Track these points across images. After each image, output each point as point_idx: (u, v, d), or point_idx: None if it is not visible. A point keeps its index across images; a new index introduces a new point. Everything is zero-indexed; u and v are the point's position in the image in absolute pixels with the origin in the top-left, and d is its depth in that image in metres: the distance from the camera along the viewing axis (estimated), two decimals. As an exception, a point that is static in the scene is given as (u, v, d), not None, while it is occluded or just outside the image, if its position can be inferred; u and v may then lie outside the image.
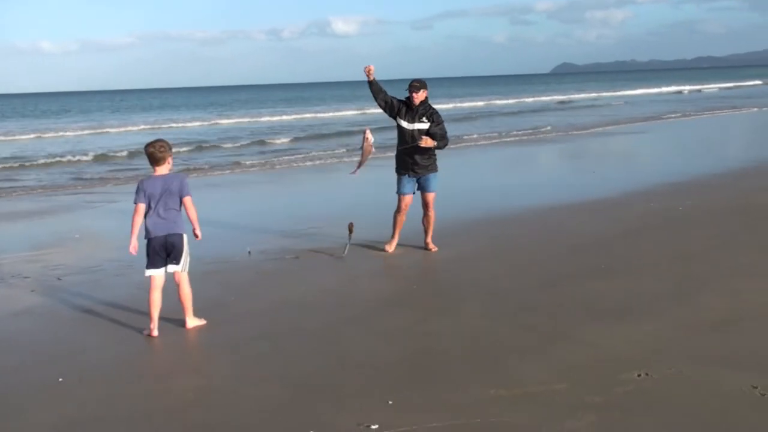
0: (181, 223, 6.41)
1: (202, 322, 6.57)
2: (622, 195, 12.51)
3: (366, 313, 6.80)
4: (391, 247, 9.15)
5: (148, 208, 6.32)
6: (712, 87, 71.95)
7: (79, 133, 38.26)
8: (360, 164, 9.16)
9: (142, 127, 41.75)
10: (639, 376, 5.05)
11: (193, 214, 6.44)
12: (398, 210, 9.10)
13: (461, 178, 15.46)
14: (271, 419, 4.69)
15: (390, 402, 4.81)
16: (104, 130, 39.97)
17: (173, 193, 6.32)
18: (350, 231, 9.11)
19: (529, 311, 6.63)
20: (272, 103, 79.19)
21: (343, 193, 15.20)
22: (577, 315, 6.45)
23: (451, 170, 16.87)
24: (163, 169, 6.40)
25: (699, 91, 67.63)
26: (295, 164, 21.24)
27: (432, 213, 9.03)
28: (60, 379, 5.44)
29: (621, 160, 19.54)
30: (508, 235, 9.70)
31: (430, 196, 8.97)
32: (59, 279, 8.39)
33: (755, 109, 37.92)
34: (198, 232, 6.49)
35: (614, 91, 69.91)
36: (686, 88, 71.21)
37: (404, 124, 8.76)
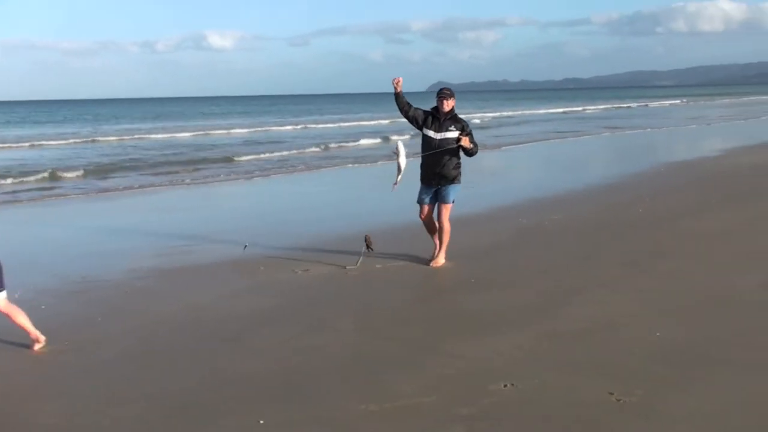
0: None
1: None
2: (494, 210, 12.89)
3: (240, 330, 6.72)
4: (437, 262, 8.97)
5: None
6: (593, 108, 73.91)
7: None
8: (398, 177, 8.94)
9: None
10: (505, 386, 5.22)
11: None
12: (421, 220, 9.17)
13: (332, 195, 15.54)
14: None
15: (261, 421, 4.78)
16: None
17: None
18: (367, 244, 9.07)
19: (401, 325, 6.74)
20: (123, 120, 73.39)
21: (213, 211, 14.99)
22: (448, 328, 6.60)
23: (324, 185, 16.90)
24: None
25: (583, 110, 69.85)
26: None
27: (445, 225, 8.93)
28: None
29: (494, 177, 20.14)
30: (382, 251, 9.80)
31: (444, 207, 8.92)
32: None
33: (631, 131, 39.93)
34: None
35: (493, 111, 70.39)
36: (569, 108, 72.72)
37: (431, 133, 8.74)
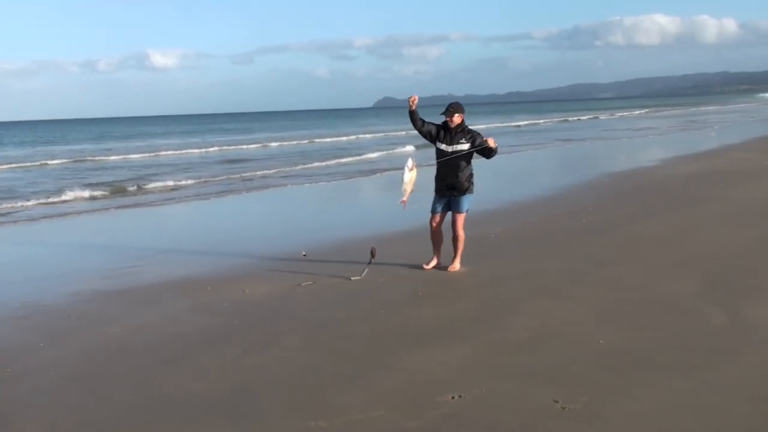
0: None
1: None
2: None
3: (184, 352, 6.65)
4: (428, 265, 9.44)
5: None
6: (546, 121, 74.02)
7: None
8: (406, 193, 9.14)
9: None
10: (453, 398, 5.27)
11: None
12: (430, 228, 9.45)
13: (279, 213, 15.47)
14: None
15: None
16: None
17: None
18: (372, 255, 9.22)
19: (347, 340, 6.75)
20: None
21: (158, 232, 14.81)
22: (394, 341, 6.63)
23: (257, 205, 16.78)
24: None
25: (537, 124, 70.20)
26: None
27: (460, 233, 9.29)
28: None
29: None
30: (328, 267, 9.81)
31: (456, 216, 9.26)
32: None
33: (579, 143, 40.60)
34: None
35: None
36: (522, 122, 71.97)
37: (443, 146, 9.09)
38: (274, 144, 49.13)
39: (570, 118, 77.38)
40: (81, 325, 7.66)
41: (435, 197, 9.37)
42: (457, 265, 9.34)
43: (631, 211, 13.36)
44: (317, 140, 51.89)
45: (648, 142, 36.86)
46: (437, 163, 9.17)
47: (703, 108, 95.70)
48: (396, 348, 6.45)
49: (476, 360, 6.06)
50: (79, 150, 51.34)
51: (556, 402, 5.10)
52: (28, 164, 36.87)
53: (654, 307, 7.35)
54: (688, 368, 5.68)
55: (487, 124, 65.97)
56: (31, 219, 17.01)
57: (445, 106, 9.27)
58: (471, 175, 9.22)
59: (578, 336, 6.54)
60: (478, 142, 9.03)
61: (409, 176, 9.04)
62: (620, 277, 8.61)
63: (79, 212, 17.87)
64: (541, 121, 75.29)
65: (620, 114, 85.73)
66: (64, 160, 38.37)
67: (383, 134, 56.34)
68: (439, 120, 9.25)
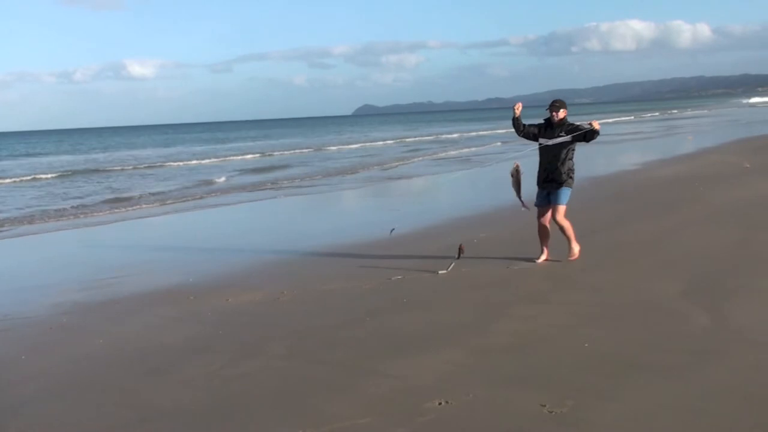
0: None
1: None
2: (422, 230, 12.99)
3: (169, 361, 6.61)
4: (539, 260, 9.77)
5: None
6: None
7: None
8: (520, 197, 9.87)
9: None
10: (440, 404, 5.25)
11: None
12: (538, 223, 9.79)
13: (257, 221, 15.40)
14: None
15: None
16: None
17: None
18: (460, 251, 9.51)
19: (333, 348, 6.72)
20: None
21: (139, 243, 14.71)
22: (380, 349, 6.61)
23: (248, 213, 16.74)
24: None
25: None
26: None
27: (563, 223, 9.56)
28: None
29: (418, 199, 20.33)
30: (311, 275, 9.79)
31: (555, 208, 9.52)
32: None
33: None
34: None
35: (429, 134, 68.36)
36: (502, 130, 70.98)
37: (544, 141, 9.52)
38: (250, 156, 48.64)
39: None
40: (63, 337, 7.60)
41: (537, 192, 9.74)
42: (575, 251, 9.66)
43: (612, 215, 13.42)
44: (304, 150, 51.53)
45: (627, 146, 37.10)
46: (539, 156, 9.61)
47: (684, 111, 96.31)
48: (382, 355, 6.43)
49: (463, 365, 6.06)
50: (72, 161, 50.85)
51: (543, 406, 5.10)
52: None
53: (638, 310, 7.37)
54: (673, 370, 5.70)
55: (471, 132, 66.00)
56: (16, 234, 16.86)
57: (550, 103, 9.69)
58: (571, 169, 9.54)
59: (564, 340, 6.55)
60: (580, 130, 9.37)
61: (513, 181, 9.81)
62: (604, 281, 8.64)
63: (54, 227, 17.73)
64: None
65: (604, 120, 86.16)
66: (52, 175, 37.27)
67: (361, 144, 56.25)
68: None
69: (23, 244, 15.16)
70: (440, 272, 9.37)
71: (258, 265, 10.57)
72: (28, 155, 63.96)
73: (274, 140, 73.36)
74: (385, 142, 56.03)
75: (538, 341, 6.58)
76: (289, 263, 10.73)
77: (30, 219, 18.87)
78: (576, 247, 9.69)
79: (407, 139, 59.22)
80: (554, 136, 9.47)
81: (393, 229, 10.30)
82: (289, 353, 6.68)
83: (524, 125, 9.72)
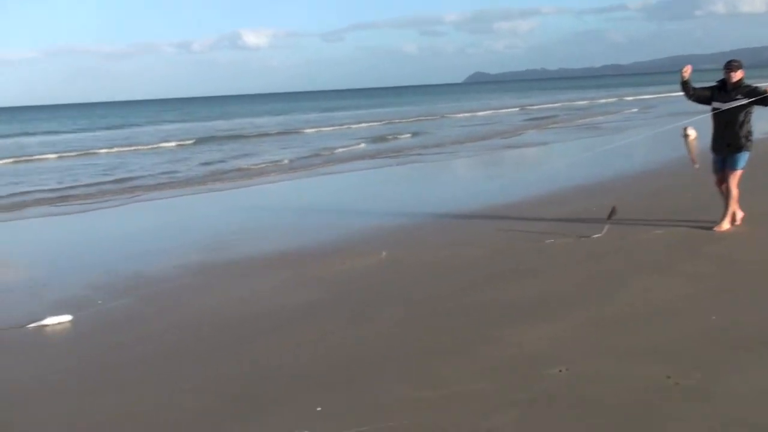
0: None
1: None
2: (528, 199, 12.80)
3: (288, 323, 6.76)
4: (721, 227, 9.27)
5: None
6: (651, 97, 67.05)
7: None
8: (693, 158, 9.72)
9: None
10: (560, 371, 5.18)
11: None
12: (718, 189, 9.52)
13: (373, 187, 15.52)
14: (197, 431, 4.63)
15: (318, 408, 4.81)
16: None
17: None
18: (613, 211, 9.53)
19: (449, 314, 6.71)
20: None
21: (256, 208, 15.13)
22: (497, 315, 6.56)
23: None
24: None
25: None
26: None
27: (734, 191, 9.18)
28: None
29: (532, 168, 20.01)
30: (427, 241, 9.81)
31: (732, 174, 9.18)
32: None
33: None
34: None
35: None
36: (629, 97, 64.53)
37: (719, 105, 9.09)
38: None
39: (672, 93, 72.65)
40: (185, 297, 7.89)
41: (713, 157, 9.40)
42: (725, 225, 9.24)
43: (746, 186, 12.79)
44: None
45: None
46: (713, 121, 9.23)
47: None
48: (500, 322, 6.38)
49: (583, 335, 5.94)
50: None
51: (669, 378, 4.94)
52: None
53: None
54: (809, 346, 5.43)
55: (600, 99, 62.73)
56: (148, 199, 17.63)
57: (726, 62, 9.30)
58: (749, 132, 9.13)
59: (689, 312, 6.31)
60: (759, 90, 8.94)
61: (687, 142, 9.66)
62: (732, 252, 8.27)
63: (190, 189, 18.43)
64: (647, 96, 69.78)
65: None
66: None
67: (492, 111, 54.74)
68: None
69: (152, 208, 15.79)
70: (594, 236, 9.18)
71: (374, 231, 10.66)
72: (152, 123, 66.24)
73: (389, 108, 73.13)
74: (508, 110, 54.60)
75: (662, 312, 6.37)
76: (406, 229, 10.79)
77: (158, 186, 19.47)
78: (726, 224, 9.21)
79: (531, 107, 57.43)
80: (730, 100, 8.98)
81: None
82: (405, 318, 6.72)
83: (693, 88, 9.30)
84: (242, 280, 8.42)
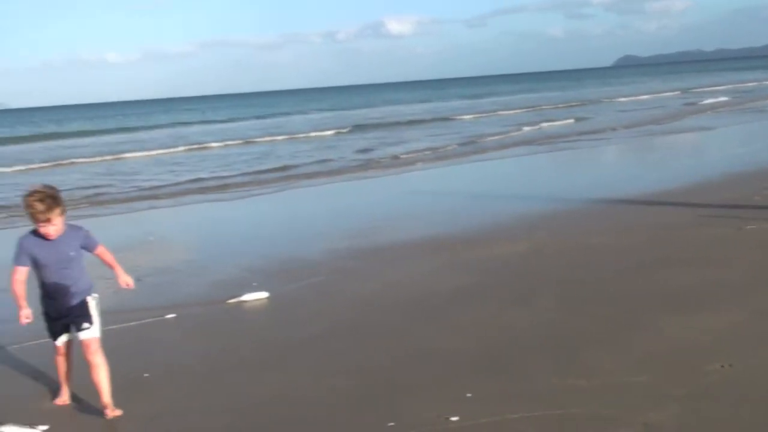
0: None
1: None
2: (693, 185, 12.27)
3: (440, 308, 6.82)
4: None
5: None
6: None
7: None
8: None
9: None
10: (722, 367, 4.95)
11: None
12: None
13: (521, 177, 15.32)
14: (349, 412, 4.75)
15: (469, 394, 4.82)
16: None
17: None
18: None
19: (603, 302, 6.56)
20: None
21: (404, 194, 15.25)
22: (653, 304, 6.35)
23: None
24: None
25: None
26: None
27: None
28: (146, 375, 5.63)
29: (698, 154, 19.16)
30: (577, 228, 9.60)
31: None
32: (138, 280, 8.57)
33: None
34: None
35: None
36: None
37: None
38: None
39: None
40: (342, 280, 8.09)
41: None
42: None
43: None
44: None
45: None
46: None
47: None
48: (656, 311, 6.17)
49: (747, 328, 5.65)
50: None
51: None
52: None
53: None
54: None
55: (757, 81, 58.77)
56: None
57: None
58: None
59: None
60: None
61: None
62: None
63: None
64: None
65: None
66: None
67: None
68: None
69: (308, 195, 16.27)
70: (748, 227, 8.72)
71: (523, 217, 10.57)
72: (302, 112, 67.63)
73: (538, 94, 71.34)
74: (667, 94, 51.97)
75: (836, 307, 5.96)
76: (554, 215, 10.64)
77: (315, 174, 19.66)
78: None
79: (693, 90, 54.33)
80: None
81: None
82: (557, 305, 6.62)
83: None
84: (395, 265, 8.55)
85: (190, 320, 7.02)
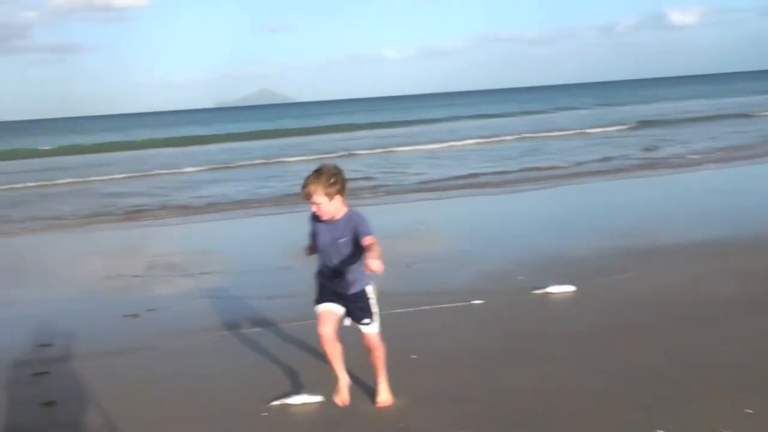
0: None
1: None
2: None
3: (717, 315, 6.41)
4: None
5: None
6: None
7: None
8: None
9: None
10: None
11: None
12: None
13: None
14: (617, 414, 4.59)
15: (749, 411, 4.45)
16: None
17: None
18: None
19: None
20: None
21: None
22: None
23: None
24: None
25: None
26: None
27: None
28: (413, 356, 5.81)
29: None
30: None
31: None
32: (408, 266, 8.93)
33: None
34: None
35: None
36: None
37: None
38: None
39: None
40: (608, 279, 7.83)
41: None
42: None
43: None
44: None
45: None
46: None
47: None
48: None
49: None
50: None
51: None
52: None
53: None
54: None
55: None
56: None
57: None
58: None
59: None
60: None
61: None
62: None
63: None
64: None
65: None
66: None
67: None
68: None
69: (566, 193, 15.95)
70: None
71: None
72: (573, 108, 66.01)
73: None
74: None
75: None
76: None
77: (592, 171, 18.91)
78: None
79: None
80: None
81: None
82: None
83: None
84: (669, 267, 8.17)
85: (491, 307, 7.13)
